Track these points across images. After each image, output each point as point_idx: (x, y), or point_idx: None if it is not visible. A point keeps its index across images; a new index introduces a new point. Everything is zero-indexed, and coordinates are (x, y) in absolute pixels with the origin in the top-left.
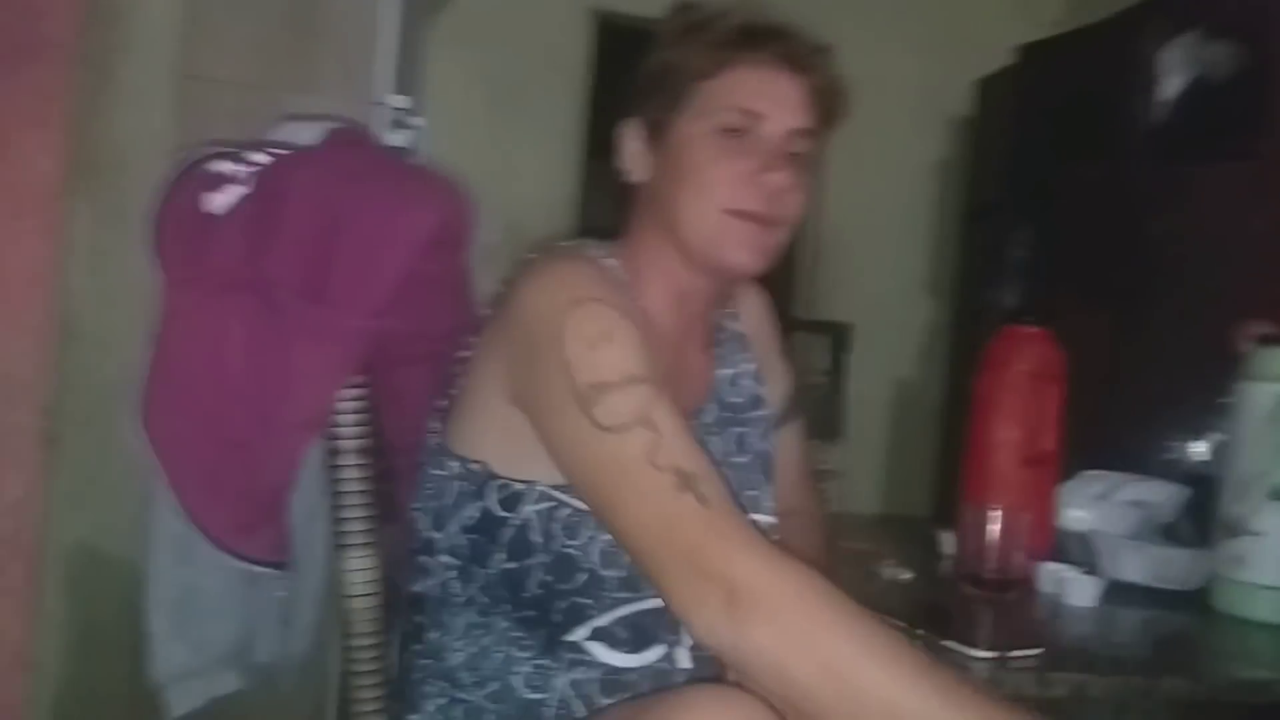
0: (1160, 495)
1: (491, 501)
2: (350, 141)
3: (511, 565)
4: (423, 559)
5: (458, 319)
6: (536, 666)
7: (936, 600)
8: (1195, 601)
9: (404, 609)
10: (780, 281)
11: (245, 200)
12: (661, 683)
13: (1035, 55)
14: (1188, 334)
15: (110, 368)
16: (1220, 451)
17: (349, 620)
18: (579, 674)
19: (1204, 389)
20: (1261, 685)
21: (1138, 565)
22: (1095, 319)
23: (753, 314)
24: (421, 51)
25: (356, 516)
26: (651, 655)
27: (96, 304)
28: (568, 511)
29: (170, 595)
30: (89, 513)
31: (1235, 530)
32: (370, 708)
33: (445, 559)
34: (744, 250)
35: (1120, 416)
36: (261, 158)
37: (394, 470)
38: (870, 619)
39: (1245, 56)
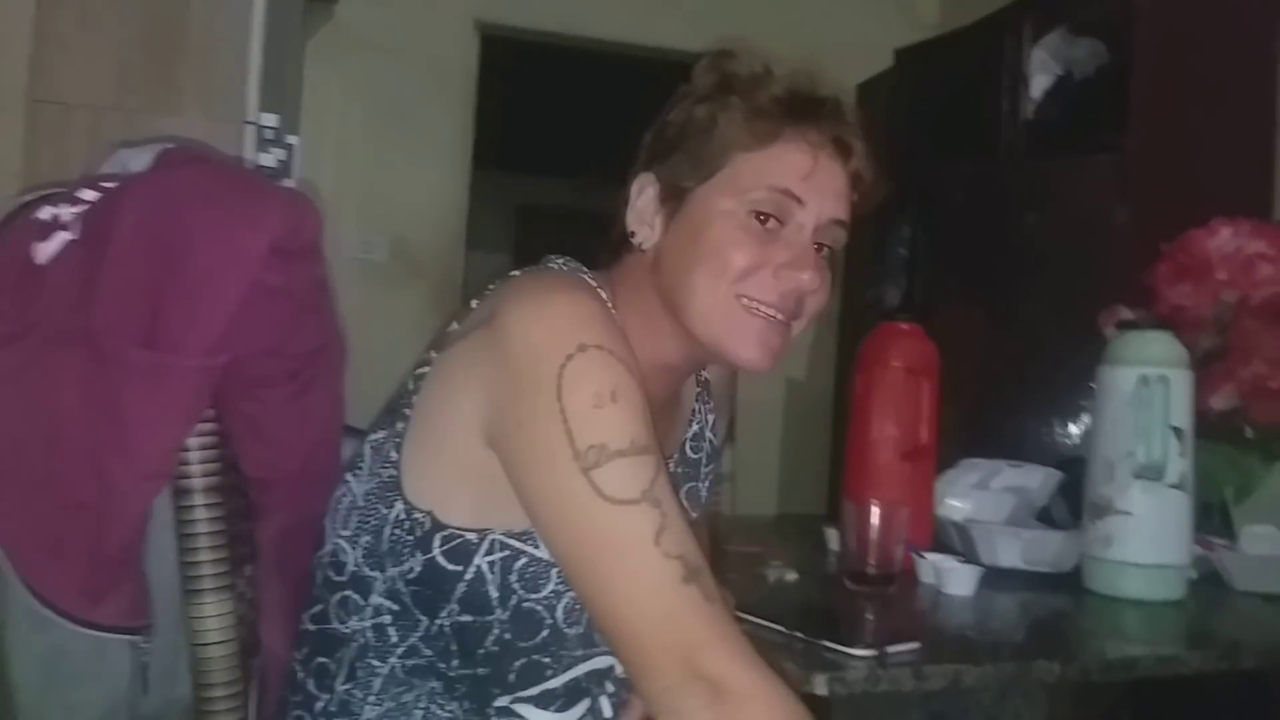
0: (1035, 480)
1: (437, 555)
2: (179, 163)
3: (466, 619)
4: (350, 595)
5: (322, 334)
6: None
7: (820, 600)
8: (1069, 583)
9: (300, 646)
10: None
11: (71, 245)
12: None
13: (912, 58)
14: (1058, 323)
15: None
16: (1089, 435)
17: (202, 670)
18: None
19: (1075, 375)
20: (1130, 662)
21: (1012, 550)
22: (972, 312)
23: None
24: (297, 68)
25: (208, 559)
26: (578, 711)
27: None
28: (524, 561)
29: (33, 665)
30: None
31: (1103, 510)
32: None
33: (381, 601)
34: (756, 348)
35: (998, 405)
36: (89, 195)
37: (256, 507)
38: None
39: (1108, 55)
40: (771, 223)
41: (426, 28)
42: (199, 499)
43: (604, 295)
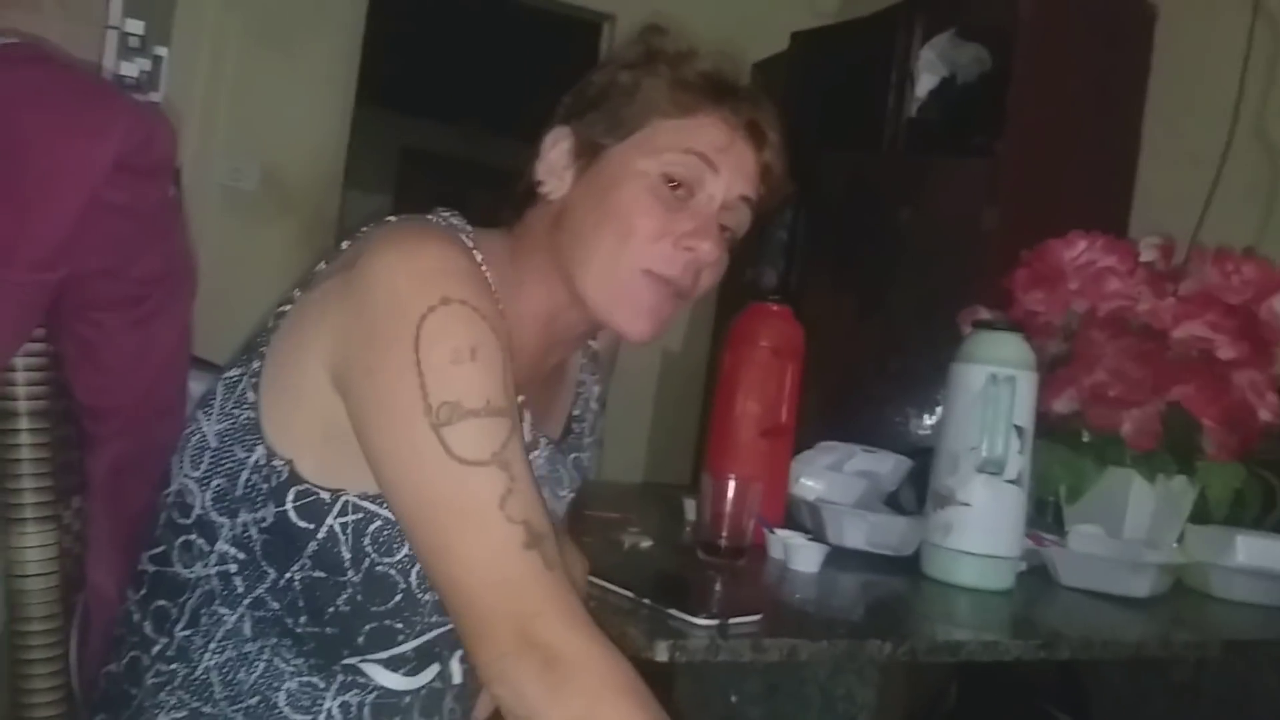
0: (886, 466)
1: (289, 509)
2: (22, 60)
3: (319, 575)
4: (195, 540)
5: (169, 260)
6: (303, 684)
7: (671, 569)
8: (909, 566)
9: (138, 587)
10: None
11: None
12: (433, 702)
13: (807, 43)
14: (922, 317)
15: None
16: (939, 426)
17: (20, 603)
18: (350, 696)
19: (933, 369)
20: (955, 646)
21: (858, 532)
22: (842, 299)
23: (607, 332)
24: None
25: (31, 488)
26: (428, 675)
27: None
28: (379, 524)
29: None
30: None
31: (945, 501)
32: (44, 699)
33: (227, 549)
34: (645, 318)
35: (858, 391)
36: None
37: (87, 436)
38: (657, 710)
39: (991, 61)
40: (681, 190)
41: None
42: (24, 423)
43: (478, 257)
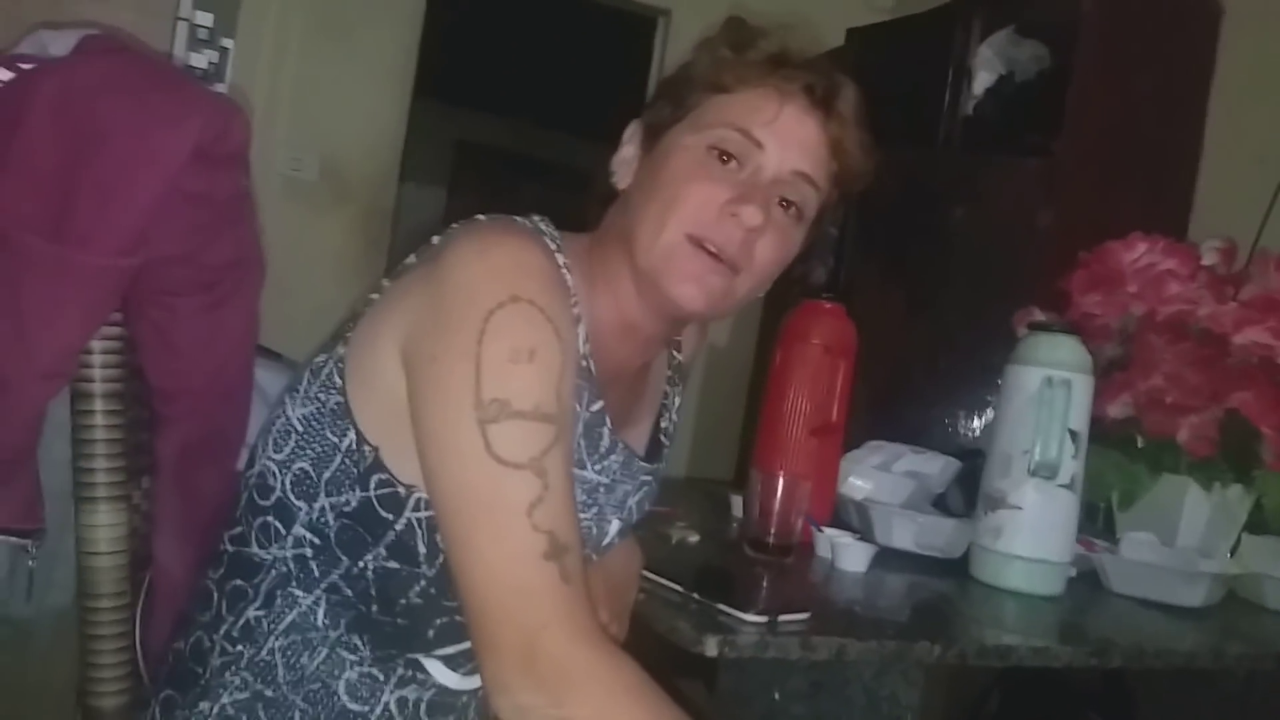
0: (934, 467)
1: (372, 495)
2: (104, 51)
3: (393, 565)
4: (272, 521)
5: (240, 248)
6: (363, 675)
7: (718, 563)
8: (957, 569)
9: (216, 566)
10: None
11: None
12: (487, 704)
13: (862, 39)
14: (974, 318)
15: None
16: (991, 429)
17: (90, 580)
18: (409, 691)
19: (984, 370)
20: (1005, 651)
21: (907, 533)
22: (893, 297)
23: (691, 343)
24: None
25: (104, 468)
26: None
27: None
28: None
29: None
30: None
31: (996, 503)
32: (111, 674)
33: (304, 533)
34: (691, 284)
35: (907, 390)
36: (4, 74)
37: (158, 418)
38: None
39: (1049, 59)
40: (732, 163)
41: None
42: (99, 404)
43: (561, 260)
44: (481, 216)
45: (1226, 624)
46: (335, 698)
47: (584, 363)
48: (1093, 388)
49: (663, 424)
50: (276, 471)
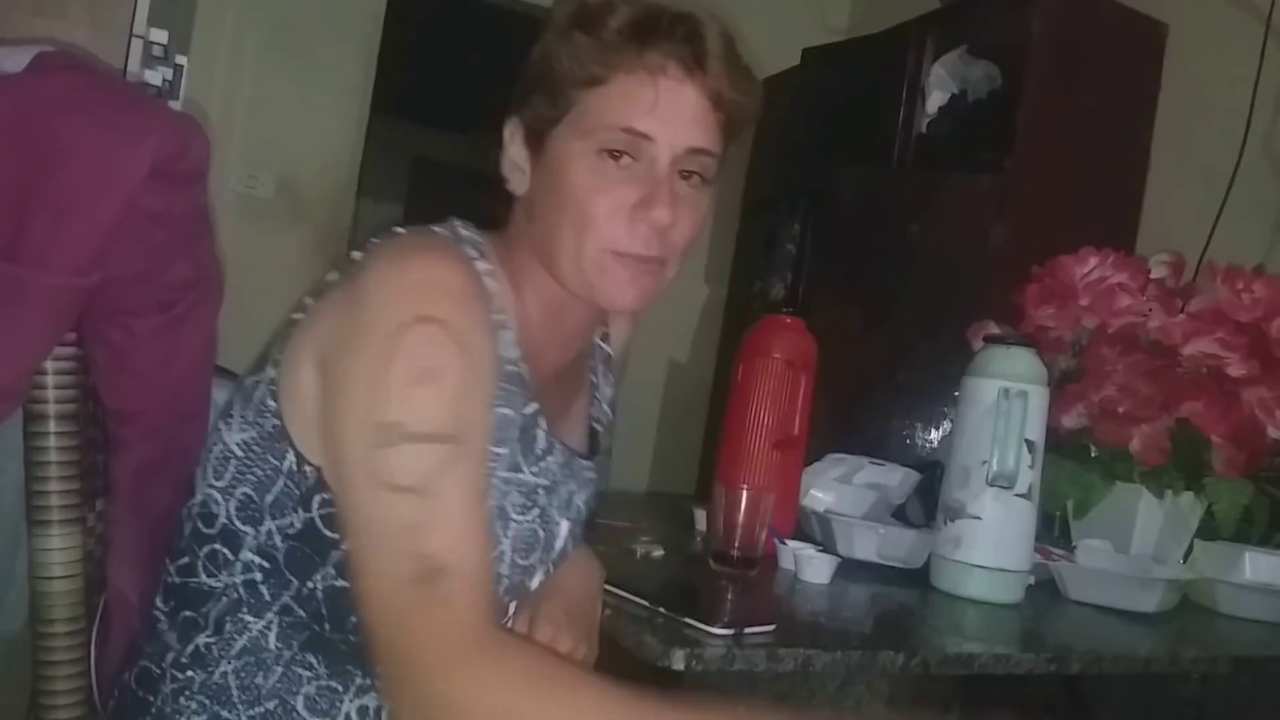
0: (894, 479)
1: (314, 515)
2: (60, 68)
3: (341, 583)
4: (219, 549)
5: (198, 267)
6: (321, 688)
7: (683, 578)
8: (918, 579)
9: (166, 598)
10: None
11: None
12: None
13: (816, 59)
14: (931, 332)
15: None
16: (949, 441)
17: (44, 605)
18: (369, 699)
19: (941, 383)
20: (969, 658)
21: (869, 544)
22: (850, 312)
23: (621, 332)
24: None
25: (57, 490)
26: None
27: None
28: None
29: None
30: None
31: (956, 514)
32: (65, 700)
33: (252, 558)
34: (624, 292)
35: (866, 404)
36: None
37: (113, 439)
38: (582, 690)
39: (1001, 79)
40: (625, 159)
41: None
42: (52, 425)
43: (484, 267)
44: (400, 229)
45: (1181, 629)
46: (294, 713)
47: (513, 368)
48: (1048, 399)
49: (593, 413)
50: (219, 499)
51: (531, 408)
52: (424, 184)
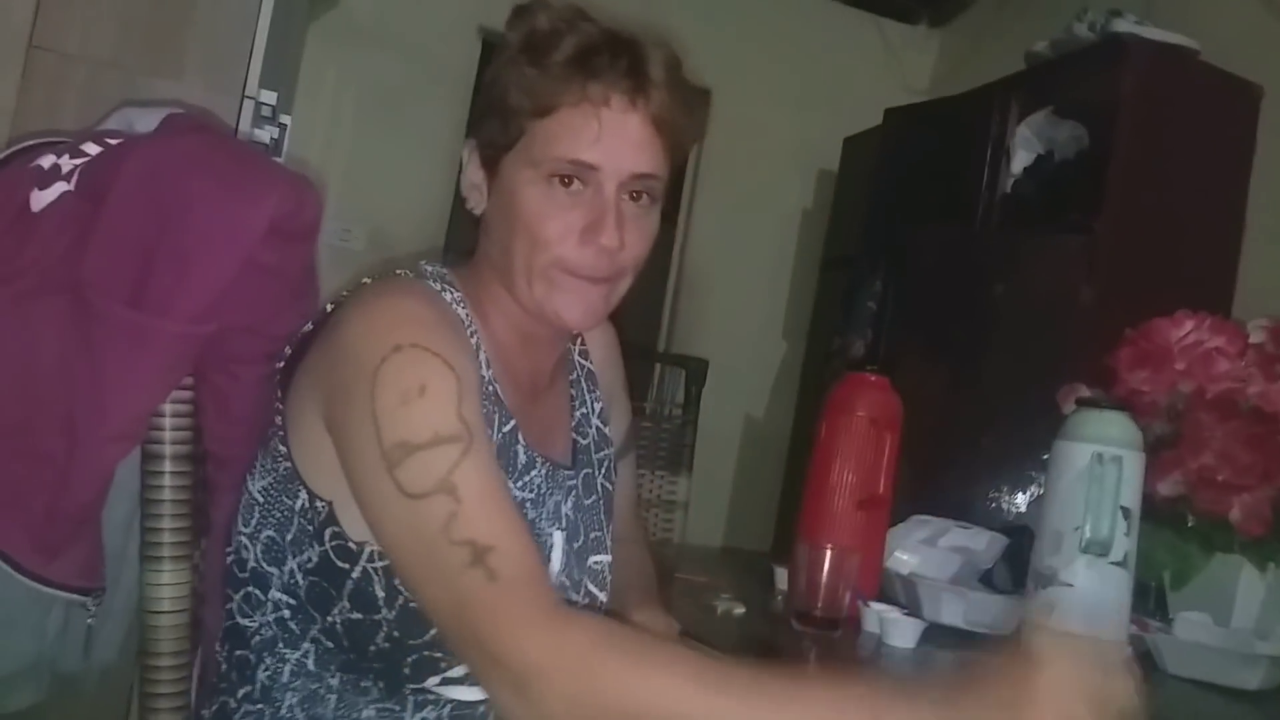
0: (981, 543)
1: (328, 548)
2: (187, 129)
3: (356, 616)
4: (252, 591)
5: (302, 321)
6: (381, 710)
7: (767, 636)
8: (1008, 646)
9: (216, 641)
10: (641, 314)
11: (67, 196)
12: None
13: (899, 118)
14: (1016, 394)
15: None
16: (1037, 505)
17: (151, 638)
18: (428, 712)
19: (1027, 446)
20: None
21: (956, 609)
22: (934, 371)
23: (600, 349)
24: (297, 49)
25: (169, 528)
26: None
27: None
28: None
29: None
30: None
31: (1047, 580)
32: None
33: (280, 596)
34: (575, 309)
35: (953, 465)
36: (92, 149)
37: (210, 483)
38: (662, 649)
39: (1088, 139)
40: (574, 184)
41: (430, 27)
42: (167, 465)
43: (450, 296)
44: (366, 279)
45: None
46: None
47: (489, 387)
48: (1143, 464)
49: (576, 431)
50: (248, 543)
51: (509, 425)
52: None
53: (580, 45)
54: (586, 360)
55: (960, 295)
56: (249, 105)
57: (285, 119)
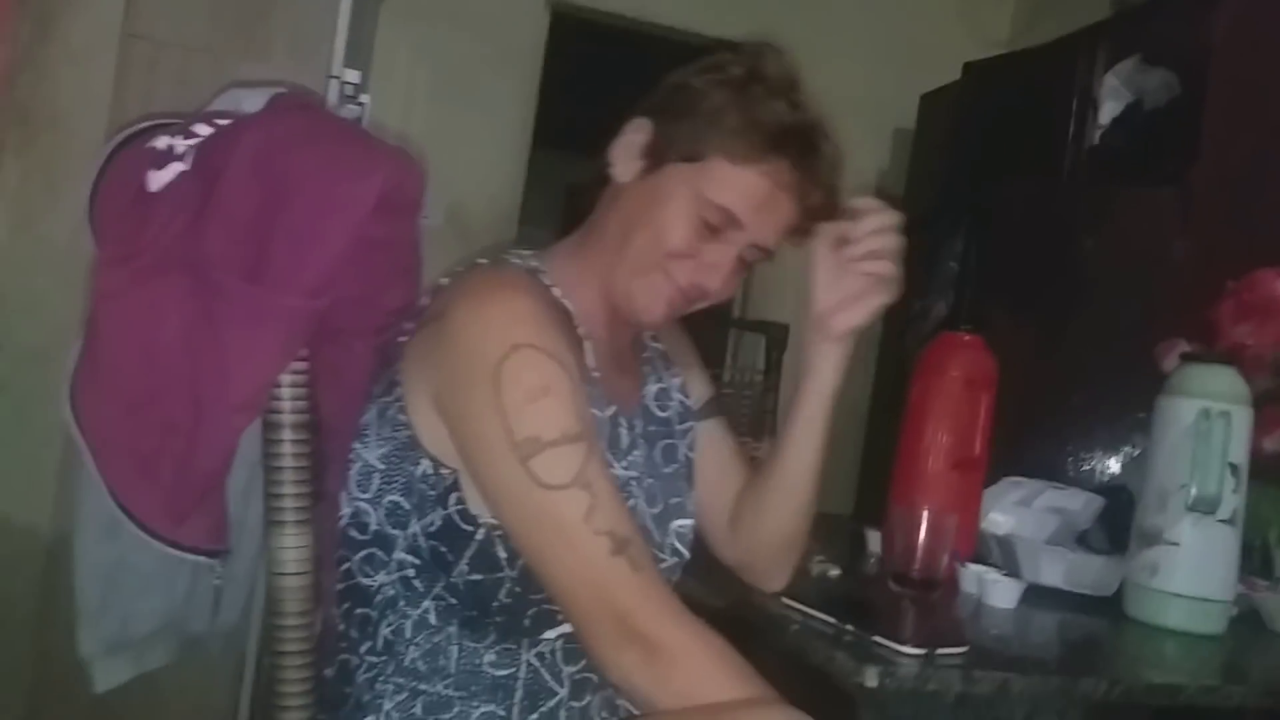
0: (1077, 503)
1: (452, 511)
2: (294, 108)
3: (477, 577)
4: (375, 552)
5: (410, 292)
6: (501, 651)
7: (864, 597)
8: (1107, 607)
9: (340, 600)
10: None
11: (184, 176)
12: None
13: (979, 73)
14: (1109, 350)
15: (33, 332)
16: (1136, 464)
17: (278, 599)
18: (543, 647)
19: (1121, 404)
20: (1174, 689)
21: (1055, 570)
22: (1022, 331)
23: (669, 333)
24: (372, 29)
25: (291, 494)
26: None
27: (21, 266)
28: None
29: (98, 571)
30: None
31: (1152, 540)
32: (297, 689)
33: (404, 556)
34: (661, 309)
35: (1042, 426)
36: (204, 129)
37: (323, 450)
38: (759, 683)
39: (1180, 86)
40: (716, 232)
41: (498, 1)
42: (287, 434)
43: (548, 281)
44: (482, 260)
45: None
46: (482, 674)
47: (596, 373)
48: (1251, 419)
49: (650, 391)
50: (369, 509)
51: (610, 410)
52: (575, 209)
53: (801, 124)
54: (656, 341)
55: (1048, 252)
56: (334, 85)
57: (364, 98)
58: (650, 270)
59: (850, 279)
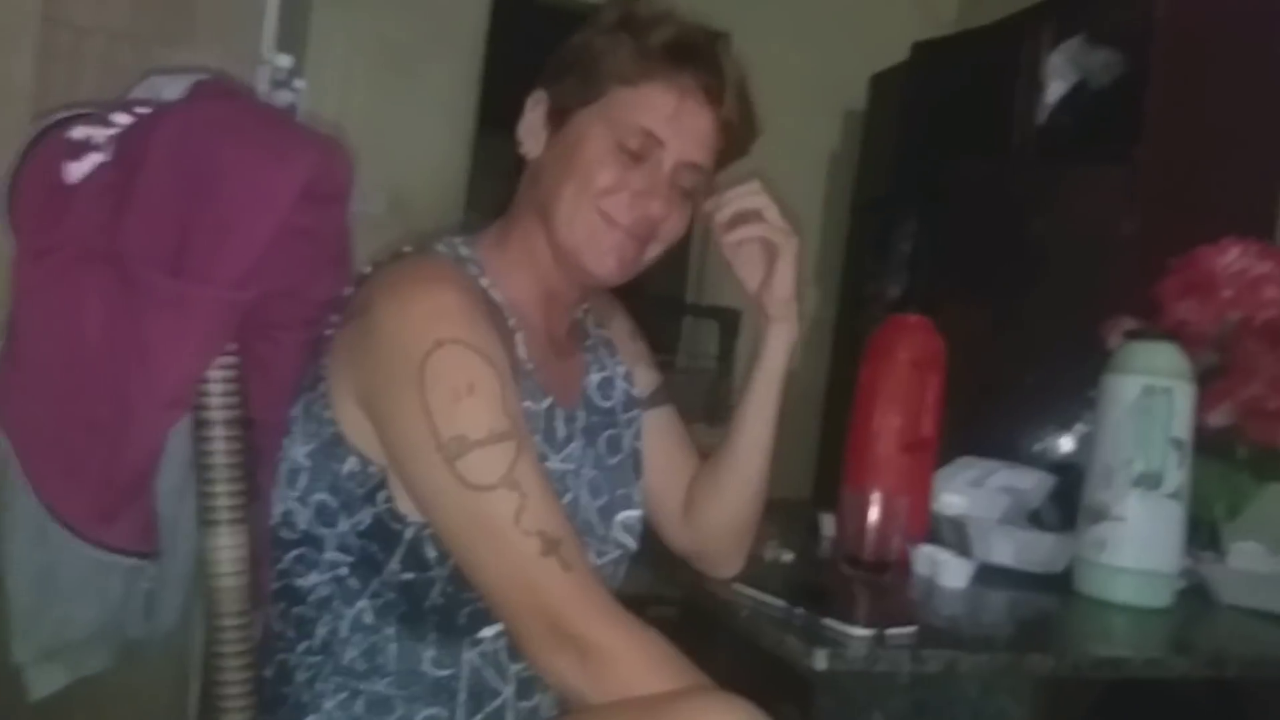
0: (1029, 482)
1: (381, 510)
2: (216, 95)
3: (409, 576)
4: (306, 552)
5: (340, 284)
6: (440, 650)
7: (816, 580)
8: (1058, 584)
9: (275, 600)
10: (671, 266)
11: (102, 167)
12: None
13: (927, 53)
14: (1058, 329)
15: None
16: (1085, 441)
17: (216, 600)
18: (485, 646)
19: (1072, 382)
20: (1119, 662)
21: (1006, 549)
22: (974, 311)
23: (615, 321)
24: (305, 11)
25: (224, 492)
26: None
27: None
28: None
29: (29, 576)
30: None
31: (1099, 516)
32: (237, 690)
33: (335, 555)
34: (609, 257)
35: (995, 405)
36: (123, 119)
37: (255, 447)
38: (697, 676)
39: (1125, 65)
40: (637, 155)
41: None
42: (218, 431)
43: (475, 270)
44: (407, 248)
45: None
46: (423, 674)
47: (529, 366)
48: (1194, 395)
49: (593, 381)
50: (298, 507)
51: (546, 401)
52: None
53: (678, 35)
54: (601, 329)
55: (997, 232)
56: (264, 70)
57: (299, 83)
58: (587, 218)
59: (751, 251)
